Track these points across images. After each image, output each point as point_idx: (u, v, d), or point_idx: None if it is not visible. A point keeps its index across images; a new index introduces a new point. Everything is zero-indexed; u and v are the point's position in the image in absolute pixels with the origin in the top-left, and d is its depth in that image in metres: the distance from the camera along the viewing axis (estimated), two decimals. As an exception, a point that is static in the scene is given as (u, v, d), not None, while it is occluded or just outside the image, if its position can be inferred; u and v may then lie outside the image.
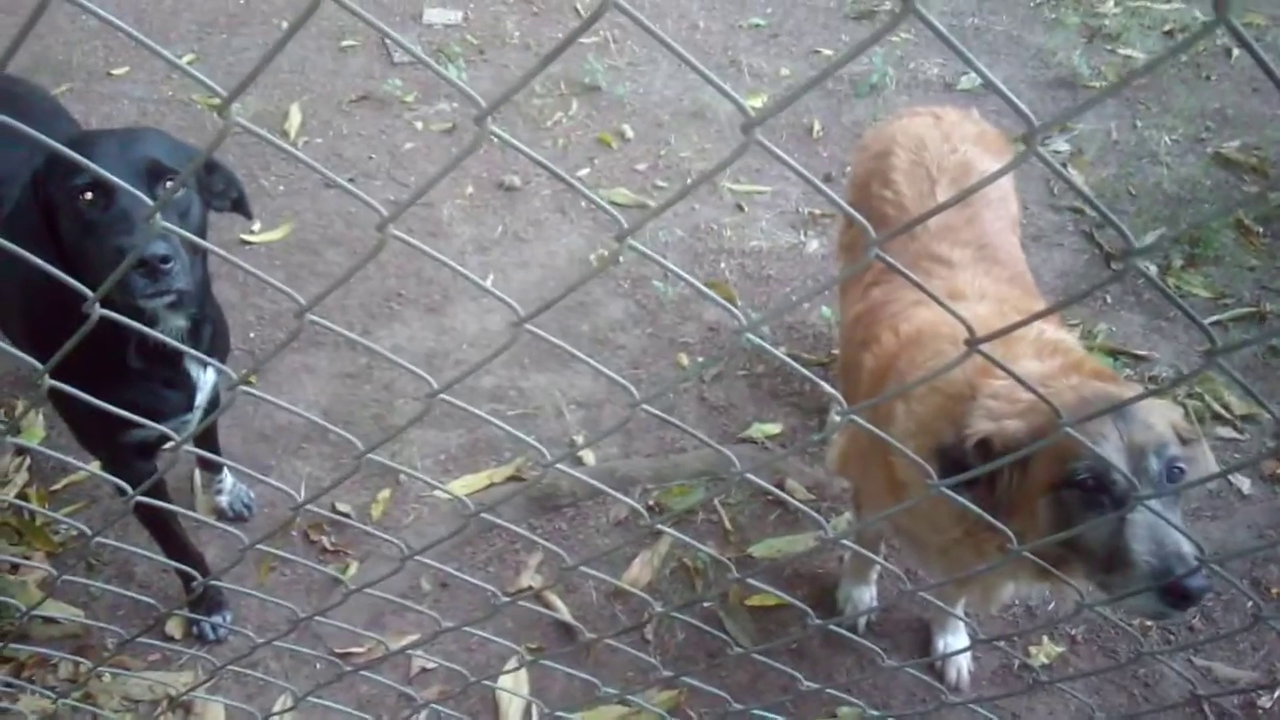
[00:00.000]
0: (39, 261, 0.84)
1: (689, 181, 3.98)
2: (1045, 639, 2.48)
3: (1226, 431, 2.97)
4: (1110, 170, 4.01)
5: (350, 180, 3.94)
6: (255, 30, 4.91)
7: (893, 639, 2.52)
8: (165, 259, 1.65)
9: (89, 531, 1.29)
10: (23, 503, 2.50)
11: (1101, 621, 2.49)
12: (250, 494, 2.81)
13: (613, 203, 3.87)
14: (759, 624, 2.53)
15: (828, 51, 4.81)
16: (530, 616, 2.52)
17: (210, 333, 2.09)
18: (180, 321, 1.94)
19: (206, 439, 2.59)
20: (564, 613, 2.54)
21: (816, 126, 4.28)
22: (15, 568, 2.54)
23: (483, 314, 3.41)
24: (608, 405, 3.11)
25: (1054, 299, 3.38)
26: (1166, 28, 4.88)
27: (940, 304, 0.79)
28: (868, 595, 2.53)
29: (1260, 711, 2.34)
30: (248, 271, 0.87)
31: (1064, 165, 4.00)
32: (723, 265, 3.63)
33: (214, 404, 2.33)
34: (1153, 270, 3.48)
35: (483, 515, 1.16)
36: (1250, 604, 1.82)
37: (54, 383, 0.93)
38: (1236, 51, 4.61)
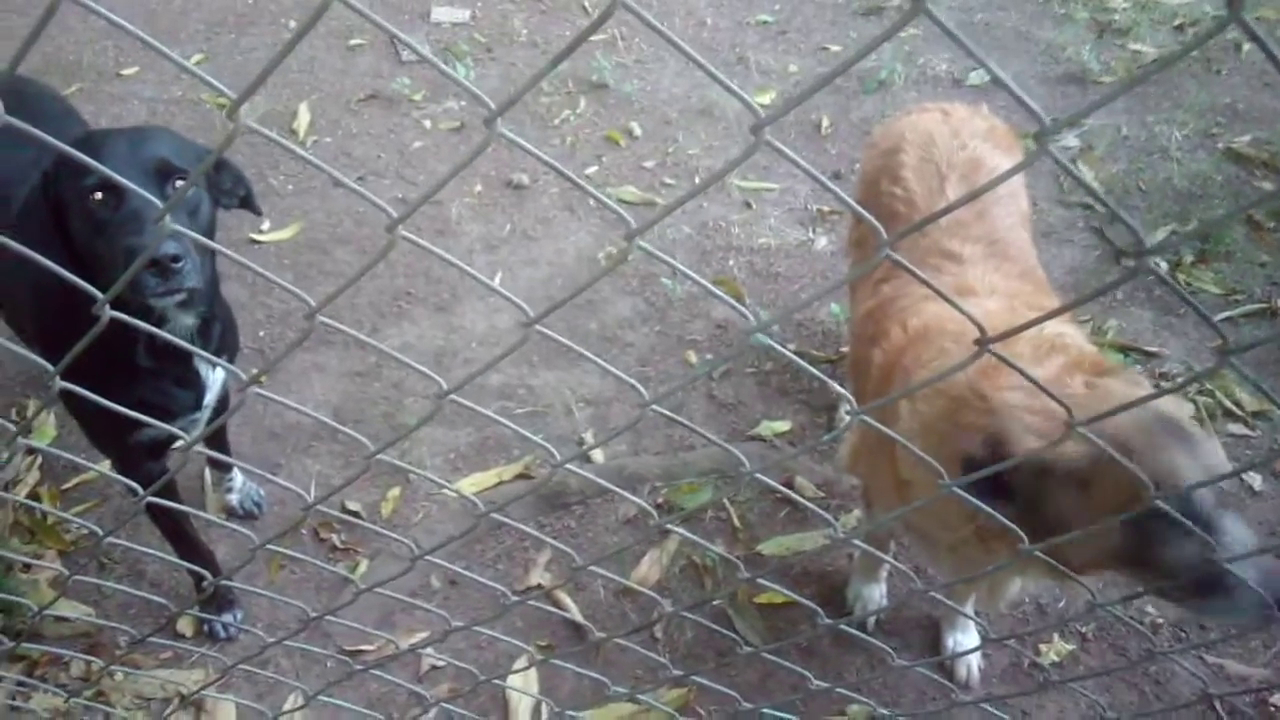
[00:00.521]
0: (49, 264, 0.84)
1: (697, 180, 3.99)
2: (1055, 636, 2.47)
3: (1238, 428, 2.95)
4: (1120, 166, 3.99)
5: (359, 179, 3.94)
6: (263, 30, 4.92)
7: (902, 637, 2.51)
8: (176, 258, 1.65)
9: (100, 531, 1.29)
10: (34, 503, 2.51)
11: (1112, 619, 2.48)
12: (260, 492, 2.82)
13: (620, 200, 3.87)
14: (768, 622, 2.53)
15: (836, 48, 4.79)
16: (539, 614, 2.52)
17: (220, 331, 2.10)
18: (190, 320, 1.95)
19: (216, 438, 2.61)
20: (574, 611, 2.54)
21: (825, 123, 4.27)
22: (27, 567, 2.56)
23: (491, 312, 3.41)
24: (616, 403, 3.11)
25: (1065, 295, 3.37)
26: (1176, 22, 4.85)
27: (951, 303, 0.78)
28: (877, 593, 2.53)
29: (1272, 709, 2.33)
30: (257, 272, 0.88)
31: (1073, 161, 3.98)
32: (731, 262, 3.62)
33: (223, 402, 2.34)
34: (1163, 268, 3.46)
35: (492, 515, 1.16)
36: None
37: (65, 384, 0.94)
38: (1247, 46, 4.58)
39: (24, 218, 1.82)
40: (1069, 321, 1.97)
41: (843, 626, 1.42)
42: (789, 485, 2.84)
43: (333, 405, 3.08)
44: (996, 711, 2.11)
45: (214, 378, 2.12)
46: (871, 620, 2.51)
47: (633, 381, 0.98)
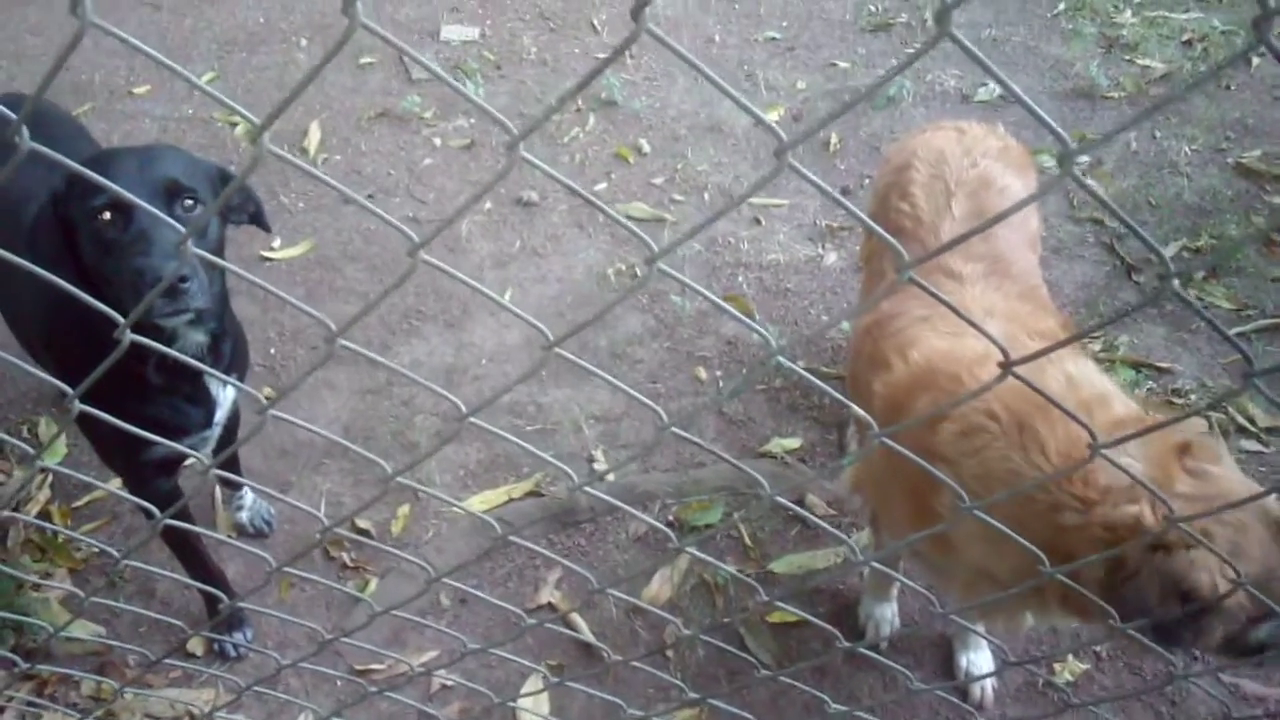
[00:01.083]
0: (64, 284, 0.84)
1: (705, 196, 3.99)
2: (1070, 656, 2.45)
3: (1251, 445, 2.93)
4: (1130, 181, 3.98)
5: (369, 197, 3.96)
6: (275, 49, 4.95)
7: (914, 655, 2.49)
8: (183, 278, 1.65)
9: (115, 552, 1.29)
10: (44, 522, 2.51)
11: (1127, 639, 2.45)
12: (270, 509, 2.82)
13: (630, 217, 3.87)
14: (780, 641, 2.51)
15: (844, 64, 4.80)
16: (550, 634, 2.51)
17: (230, 348, 2.10)
18: (200, 337, 1.95)
19: (229, 457, 2.61)
20: (585, 632, 2.52)
21: (834, 140, 4.27)
22: (37, 585, 2.56)
23: (501, 329, 3.41)
24: (626, 420, 3.10)
25: (1074, 312, 3.36)
26: (1185, 37, 4.85)
27: (978, 329, 0.77)
28: (889, 612, 2.51)
29: (1291, 730, 2.30)
30: (269, 291, 0.87)
31: (1083, 175, 3.97)
32: (740, 279, 3.62)
33: (234, 419, 2.34)
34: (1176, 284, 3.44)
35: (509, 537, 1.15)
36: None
37: (85, 407, 0.94)
38: (1257, 60, 4.58)
39: (34, 237, 1.82)
40: (1079, 350, 1.95)
41: (861, 650, 1.41)
42: (799, 502, 2.83)
43: (343, 423, 3.08)
44: (1012, 732, 2.09)
45: (225, 395, 2.12)
46: (884, 640, 2.49)
47: (651, 404, 0.98)
